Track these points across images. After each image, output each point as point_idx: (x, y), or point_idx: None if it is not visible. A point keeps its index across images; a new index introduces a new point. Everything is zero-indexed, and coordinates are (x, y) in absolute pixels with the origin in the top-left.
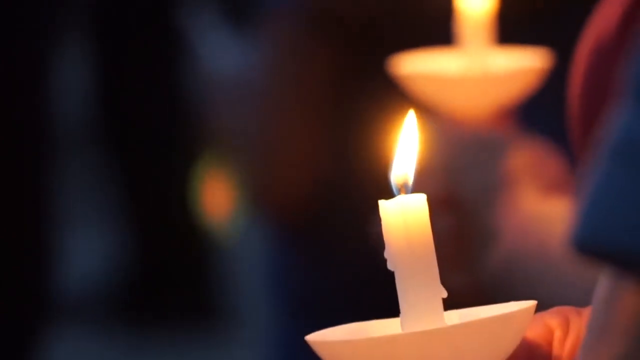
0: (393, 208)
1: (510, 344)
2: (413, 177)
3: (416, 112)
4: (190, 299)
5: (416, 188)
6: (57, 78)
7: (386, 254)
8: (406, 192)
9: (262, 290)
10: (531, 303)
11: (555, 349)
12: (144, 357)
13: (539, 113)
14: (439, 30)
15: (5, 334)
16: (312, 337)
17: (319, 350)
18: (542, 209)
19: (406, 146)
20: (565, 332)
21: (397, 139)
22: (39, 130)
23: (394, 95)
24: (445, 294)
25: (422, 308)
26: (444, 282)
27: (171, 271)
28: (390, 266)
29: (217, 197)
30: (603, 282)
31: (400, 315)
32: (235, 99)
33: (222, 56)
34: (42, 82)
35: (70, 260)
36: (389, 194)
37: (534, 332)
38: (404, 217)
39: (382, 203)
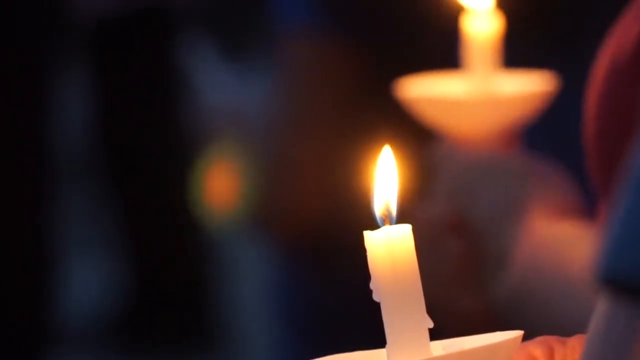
0: (378, 239)
1: None
2: (396, 208)
3: (392, 147)
4: (190, 324)
5: (413, 215)
6: (58, 106)
7: (372, 285)
8: (390, 223)
9: (263, 314)
10: (517, 333)
11: None
12: None
13: (546, 135)
14: (445, 53)
15: None
16: None
17: None
18: (553, 233)
19: (384, 178)
20: None
21: (374, 172)
22: (39, 158)
23: (401, 119)
24: (431, 325)
25: (408, 338)
26: (456, 306)
27: (170, 297)
28: (376, 297)
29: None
30: (601, 312)
31: (387, 345)
32: (238, 127)
33: (220, 88)
34: (42, 109)
35: (69, 287)
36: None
37: None
38: (389, 248)
39: (367, 234)
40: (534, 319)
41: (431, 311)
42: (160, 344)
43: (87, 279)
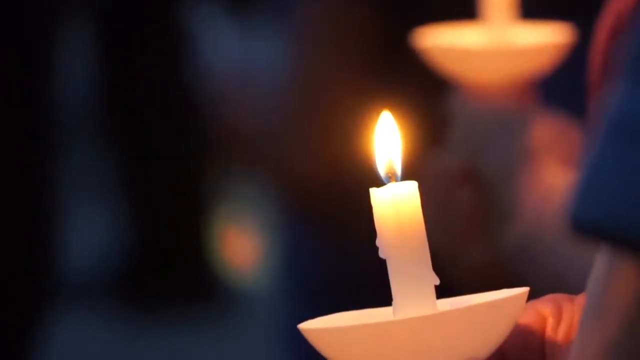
0: (384, 196)
1: (502, 331)
2: (401, 165)
3: (395, 108)
4: (192, 281)
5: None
6: (61, 60)
7: (378, 242)
8: (396, 180)
9: (267, 272)
10: (523, 290)
11: (549, 335)
12: (145, 338)
13: (560, 88)
14: (463, 4)
15: (6, 316)
16: (304, 325)
17: (310, 338)
18: (563, 184)
19: (385, 138)
20: (558, 320)
21: (375, 132)
22: (44, 114)
23: (413, 75)
24: (437, 281)
25: (414, 295)
26: (466, 258)
27: (173, 253)
28: (382, 254)
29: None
30: (599, 261)
31: (393, 303)
32: (243, 88)
33: (225, 46)
34: (47, 68)
35: (72, 243)
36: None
37: (527, 319)
38: (395, 205)
39: (373, 191)
40: (543, 270)
41: (441, 263)
42: (162, 296)
43: (89, 233)
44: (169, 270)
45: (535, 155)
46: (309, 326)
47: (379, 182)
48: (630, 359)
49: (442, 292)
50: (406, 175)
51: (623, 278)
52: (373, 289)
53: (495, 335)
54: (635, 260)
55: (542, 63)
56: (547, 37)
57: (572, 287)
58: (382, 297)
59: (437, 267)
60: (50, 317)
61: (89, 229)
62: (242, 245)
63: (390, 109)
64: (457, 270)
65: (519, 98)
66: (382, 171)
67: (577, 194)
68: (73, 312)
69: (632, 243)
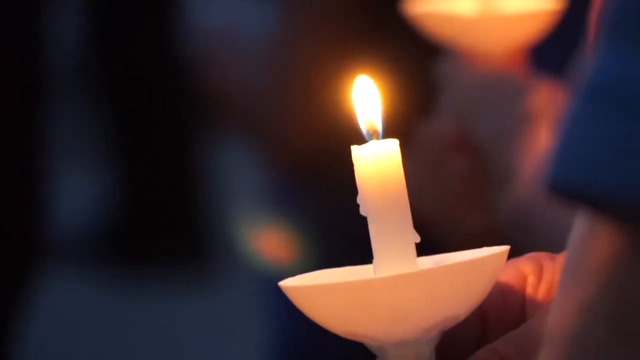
0: (365, 153)
1: (483, 289)
2: (382, 124)
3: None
4: (182, 240)
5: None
6: (51, 19)
7: (359, 199)
8: (378, 138)
9: (253, 227)
10: (504, 248)
11: (529, 294)
12: (133, 298)
13: (552, 54)
14: None
15: None
16: (285, 283)
17: (291, 296)
18: None
19: (364, 96)
20: (539, 278)
21: (356, 89)
22: (32, 71)
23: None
24: (418, 239)
25: (395, 253)
26: (461, 225)
27: (161, 213)
28: (362, 211)
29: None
30: (579, 221)
31: (373, 260)
32: (228, 50)
33: (209, 10)
34: (34, 24)
35: (60, 201)
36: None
37: (507, 277)
38: (376, 162)
39: (354, 148)
40: (539, 236)
41: (437, 230)
42: (150, 256)
43: (78, 194)
44: (159, 231)
45: (529, 121)
46: (290, 284)
47: (363, 141)
48: (606, 318)
49: (437, 253)
50: (390, 135)
51: (600, 239)
52: (356, 246)
53: (475, 293)
54: (612, 221)
55: (533, 30)
56: (538, 4)
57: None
58: (363, 253)
59: (434, 235)
60: (39, 277)
61: (77, 189)
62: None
63: (371, 70)
64: (453, 239)
65: (510, 64)
66: (364, 129)
67: (554, 156)
68: (62, 272)
69: (609, 205)
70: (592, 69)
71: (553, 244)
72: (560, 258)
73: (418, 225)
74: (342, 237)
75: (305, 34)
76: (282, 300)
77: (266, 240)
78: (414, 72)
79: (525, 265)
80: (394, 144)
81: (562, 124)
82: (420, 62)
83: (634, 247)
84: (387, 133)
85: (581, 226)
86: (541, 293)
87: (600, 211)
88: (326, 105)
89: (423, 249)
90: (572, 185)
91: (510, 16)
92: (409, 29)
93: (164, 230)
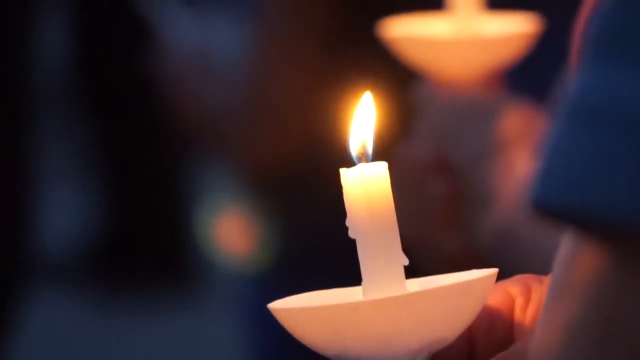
0: (354, 176)
1: (471, 312)
2: (372, 146)
3: (371, 90)
4: (165, 258)
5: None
6: (38, 37)
7: (348, 222)
8: (367, 161)
9: (238, 253)
10: (492, 271)
11: (517, 316)
12: (119, 315)
13: (530, 77)
14: None
15: None
16: (274, 305)
17: (280, 318)
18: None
19: (362, 116)
20: (527, 300)
21: (354, 111)
22: (19, 89)
23: (383, 60)
24: (406, 262)
25: (383, 276)
26: (440, 247)
27: (147, 230)
28: (351, 234)
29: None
30: (564, 242)
31: (362, 283)
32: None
33: (184, 33)
34: (22, 39)
35: (47, 219)
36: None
37: (496, 299)
38: (365, 185)
39: (343, 171)
40: (518, 258)
41: (415, 252)
42: (135, 275)
43: (63, 212)
44: (143, 250)
45: (506, 143)
46: (279, 306)
47: (351, 163)
48: (590, 337)
49: (417, 276)
50: (378, 157)
51: (584, 258)
52: (343, 268)
53: (464, 316)
54: (595, 240)
55: (509, 53)
56: (514, 27)
57: (548, 274)
58: (352, 276)
59: (412, 258)
60: (25, 296)
61: (63, 209)
62: (214, 225)
63: (370, 91)
64: (432, 260)
65: (487, 88)
66: (353, 152)
67: (536, 175)
68: (47, 291)
69: (591, 223)
70: (574, 88)
71: (530, 265)
72: (548, 280)
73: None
74: (326, 257)
75: (282, 54)
76: (263, 319)
77: (247, 257)
78: (391, 94)
79: (513, 287)
80: (382, 167)
81: (545, 143)
82: (397, 85)
83: (617, 266)
84: (375, 152)
85: (566, 246)
86: (529, 315)
87: (583, 230)
88: (304, 123)
89: (406, 271)
90: (555, 204)
91: (487, 40)
92: (385, 51)
93: (146, 250)
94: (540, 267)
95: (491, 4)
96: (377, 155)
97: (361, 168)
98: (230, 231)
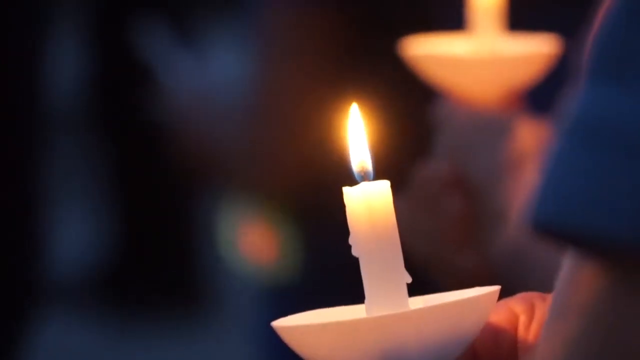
0: (356, 195)
1: (474, 328)
2: (372, 164)
3: (362, 105)
4: (176, 282)
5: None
6: (52, 59)
7: (351, 241)
8: (368, 179)
9: (248, 274)
10: (494, 288)
11: (521, 333)
12: (129, 339)
13: (547, 97)
14: (450, 14)
15: None
16: (278, 323)
17: (284, 336)
18: None
19: (356, 136)
20: (530, 318)
21: (346, 130)
22: (31, 113)
23: (404, 78)
24: (409, 279)
25: (387, 293)
26: (454, 265)
27: (157, 253)
28: (355, 252)
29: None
30: (566, 261)
31: (365, 300)
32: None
33: (180, 72)
34: (36, 63)
35: (58, 242)
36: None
37: (499, 317)
38: (368, 204)
39: (345, 190)
40: (531, 276)
41: (429, 269)
42: (146, 298)
43: (74, 234)
44: (153, 273)
45: (522, 162)
46: (283, 324)
47: (354, 182)
48: (591, 354)
49: (431, 293)
50: (384, 176)
51: (584, 277)
52: (347, 286)
53: (467, 332)
54: (596, 259)
55: (529, 73)
56: (534, 48)
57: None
58: (355, 294)
59: (428, 276)
60: (35, 319)
61: (74, 232)
62: (224, 248)
63: (360, 108)
64: (448, 278)
65: (506, 108)
66: (355, 169)
67: (541, 195)
68: (57, 314)
69: (591, 243)
70: (575, 107)
71: (545, 284)
72: (551, 298)
73: (411, 265)
74: (333, 276)
75: (288, 81)
76: (274, 342)
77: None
78: (408, 113)
79: (517, 305)
80: (385, 185)
81: (546, 162)
82: (415, 104)
83: (617, 284)
84: (380, 174)
85: (567, 265)
86: (533, 333)
87: (584, 249)
88: (312, 148)
89: (416, 289)
90: (554, 224)
91: (507, 59)
92: (402, 69)
93: (158, 273)
94: (552, 285)
95: (512, 25)
96: (386, 174)
97: (364, 186)
98: (249, 248)
